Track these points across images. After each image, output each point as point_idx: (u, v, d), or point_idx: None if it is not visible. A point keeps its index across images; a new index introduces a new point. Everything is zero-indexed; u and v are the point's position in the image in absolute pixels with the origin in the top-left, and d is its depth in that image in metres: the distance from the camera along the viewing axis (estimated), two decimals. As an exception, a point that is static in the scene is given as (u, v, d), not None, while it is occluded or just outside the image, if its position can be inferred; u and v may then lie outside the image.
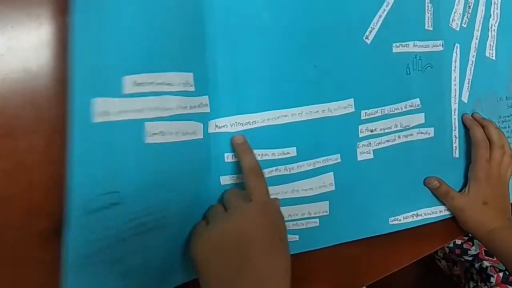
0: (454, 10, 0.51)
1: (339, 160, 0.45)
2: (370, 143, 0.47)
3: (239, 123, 0.41)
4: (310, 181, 0.44)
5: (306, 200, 0.44)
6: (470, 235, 0.76)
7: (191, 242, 0.36)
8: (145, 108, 0.34)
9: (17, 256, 0.32)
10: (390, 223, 0.48)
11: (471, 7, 0.53)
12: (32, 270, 0.32)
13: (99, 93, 0.31)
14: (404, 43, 0.48)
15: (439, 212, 0.51)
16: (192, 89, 0.37)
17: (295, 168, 0.43)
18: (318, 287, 0.46)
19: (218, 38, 0.39)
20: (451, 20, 0.51)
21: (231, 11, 0.40)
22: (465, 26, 0.52)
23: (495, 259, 0.74)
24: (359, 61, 0.46)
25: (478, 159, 0.50)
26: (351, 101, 0.46)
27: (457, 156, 0.52)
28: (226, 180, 0.41)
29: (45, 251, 0.32)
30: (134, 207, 0.33)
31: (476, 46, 0.53)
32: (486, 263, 0.76)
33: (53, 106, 0.33)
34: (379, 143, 0.47)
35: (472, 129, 0.51)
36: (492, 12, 0.54)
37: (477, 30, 0.53)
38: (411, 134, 0.49)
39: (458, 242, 0.81)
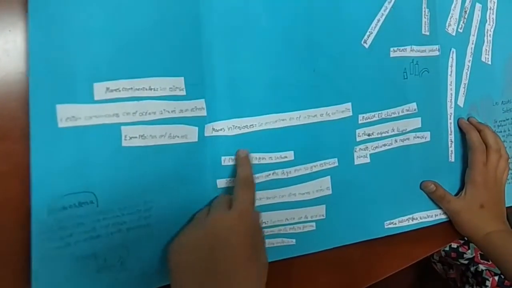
0: (450, 15, 0.52)
1: (336, 164, 0.45)
2: (367, 147, 0.47)
3: (236, 126, 0.41)
4: (307, 185, 0.44)
5: (303, 204, 0.44)
6: (466, 238, 0.76)
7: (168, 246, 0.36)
8: (121, 113, 0.35)
9: (14, 258, 0.32)
10: (386, 226, 0.48)
11: (467, 12, 0.53)
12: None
13: (65, 99, 0.33)
14: (401, 48, 0.48)
15: (434, 216, 0.51)
16: (183, 93, 0.38)
17: (293, 172, 0.44)
18: (315, 291, 0.46)
19: (216, 42, 0.39)
20: (447, 25, 0.52)
21: (229, 15, 0.40)
22: (461, 31, 0.53)
23: (491, 262, 0.74)
24: (357, 65, 0.46)
25: (475, 163, 0.50)
26: (348, 105, 0.46)
27: (453, 160, 0.52)
28: (223, 183, 0.41)
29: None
30: (109, 206, 0.35)
31: (472, 51, 0.53)
32: (481, 267, 0.77)
33: (50, 109, 0.33)
34: (376, 147, 0.47)
35: (469, 133, 0.51)
36: (488, 17, 0.55)
37: (473, 35, 0.54)
38: (408, 138, 0.49)
39: (454, 245, 0.82)
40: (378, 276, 0.48)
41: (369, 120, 0.47)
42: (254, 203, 0.39)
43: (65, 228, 0.33)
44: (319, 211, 0.45)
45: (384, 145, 0.48)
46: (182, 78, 0.38)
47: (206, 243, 0.34)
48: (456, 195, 0.51)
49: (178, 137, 0.38)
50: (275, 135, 0.42)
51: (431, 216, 0.51)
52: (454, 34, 0.52)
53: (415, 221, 0.50)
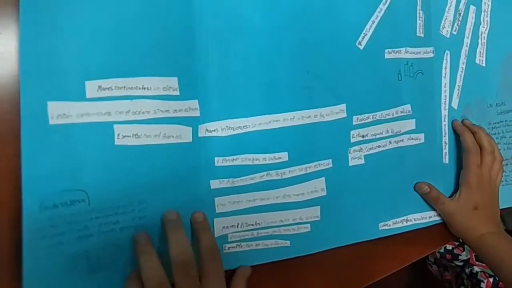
0: (444, 17, 0.52)
1: (330, 165, 0.45)
2: (361, 149, 0.47)
3: (230, 127, 0.41)
4: (302, 186, 0.44)
5: (298, 206, 0.44)
6: (460, 240, 0.77)
7: None
8: (114, 111, 0.35)
9: (11, 258, 0.32)
10: (380, 228, 0.48)
11: (462, 14, 0.53)
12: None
13: (56, 97, 0.33)
14: (396, 50, 0.48)
15: (428, 217, 0.51)
16: (177, 93, 0.38)
17: (287, 173, 0.43)
18: (309, 293, 0.46)
19: (210, 42, 0.39)
20: (441, 27, 0.52)
21: (222, 15, 0.40)
22: (455, 33, 0.53)
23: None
24: (351, 67, 0.46)
25: (469, 165, 0.50)
26: (343, 106, 0.46)
27: (446, 162, 0.52)
28: (216, 184, 0.40)
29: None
30: (101, 205, 0.35)
31: (466, 53, 0.54)
32: (476, 269, 0.77)
33: (41, 110, 0.32)
34: (370, 148, 0.47)
35: (463, 135, 0.51)
36: (482, 20, 0.55)
37: (467, 37, 0.54)
38: (402, 140, 0.49)
39: (449, 247, 0.82)
40: (372, 278, 0.48)
41: (363, 122, 0.47)
42: (223, 273, 0.36)
43: (57, 227, 0.33)
44: (314, 213, 0.45)
45: (378, 146, 0.48)
46: (176, 78, 0.38)
47: None
48: (450, 197, 0.51)
49: (173, 137, 0.38)
50: (269, 136, 0.42)
51: (425, 218, 0.51)
52: (448, 36, 0.52)
53: (409, 223, 0.50)
